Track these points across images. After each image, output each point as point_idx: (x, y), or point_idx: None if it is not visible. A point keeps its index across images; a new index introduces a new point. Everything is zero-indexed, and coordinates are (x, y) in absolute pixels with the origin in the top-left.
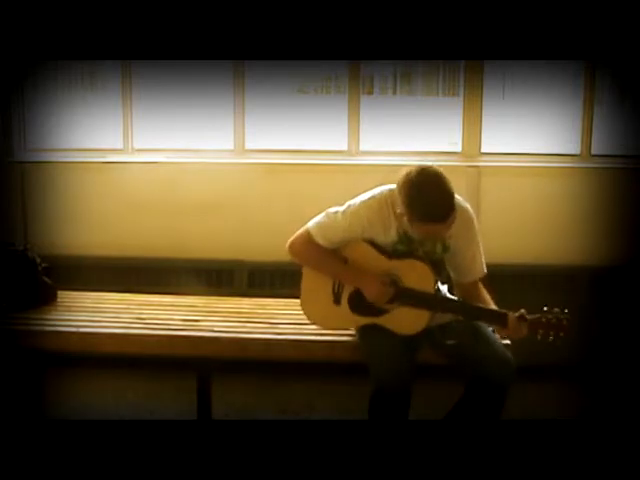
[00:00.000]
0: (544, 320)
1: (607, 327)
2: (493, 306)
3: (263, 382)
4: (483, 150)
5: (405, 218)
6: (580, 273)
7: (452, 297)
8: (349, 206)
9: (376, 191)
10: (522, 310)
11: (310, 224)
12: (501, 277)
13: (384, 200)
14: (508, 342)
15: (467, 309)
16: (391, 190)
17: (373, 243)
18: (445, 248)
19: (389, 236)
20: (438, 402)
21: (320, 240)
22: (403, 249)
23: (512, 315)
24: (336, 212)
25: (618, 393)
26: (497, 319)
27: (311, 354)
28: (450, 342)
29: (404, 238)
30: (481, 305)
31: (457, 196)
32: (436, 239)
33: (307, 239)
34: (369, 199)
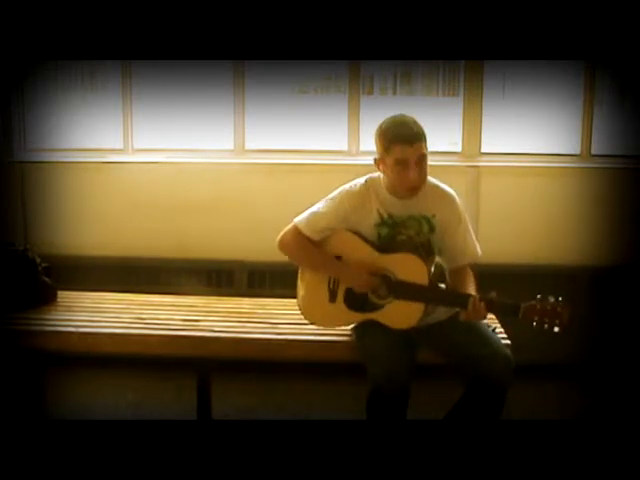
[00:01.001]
0: (539, 307)
1: (608, 327)
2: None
3: (263, 382)
4: (483, 150)
5: (381, 160)
6: (580, 273)
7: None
8: (330, 195)
9: (357, 180)
10: (492, 293)
11: (296, 219)
12: (501, 277)
13: (364, 185)
14: (508, 342)
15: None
16: (371, 176)
17: (364, 238)
18: (431, 228)
19: (371, 218)
20: (438, 402)
21: (307, 231)
22: (387, 232)
23: (475, 297)
24: (319, 202)
25: (619, 393)
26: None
27: (311, 354)
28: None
29: (387, 219)
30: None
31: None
32: (413, 191)
33: (295, 232)
34: (349, 186)
